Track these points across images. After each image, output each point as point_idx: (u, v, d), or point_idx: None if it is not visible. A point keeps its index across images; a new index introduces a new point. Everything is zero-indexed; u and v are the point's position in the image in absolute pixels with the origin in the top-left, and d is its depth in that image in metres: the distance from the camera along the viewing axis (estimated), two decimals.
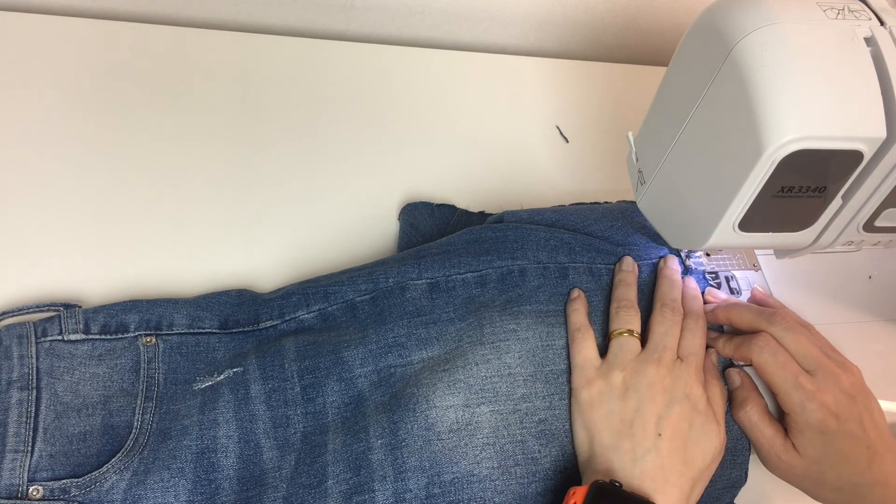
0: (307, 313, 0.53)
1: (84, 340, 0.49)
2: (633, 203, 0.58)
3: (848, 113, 0.38)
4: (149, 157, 0.62)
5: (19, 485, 0.44)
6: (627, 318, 0.50)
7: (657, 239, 0.55)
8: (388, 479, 0.45)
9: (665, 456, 0.45)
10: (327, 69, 0.71)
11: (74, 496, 0.44)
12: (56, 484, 0.44)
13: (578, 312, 0.51)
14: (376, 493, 0.45)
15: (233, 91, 0.67)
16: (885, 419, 0.48)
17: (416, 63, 0.74)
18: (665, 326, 0.50)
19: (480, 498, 0.46)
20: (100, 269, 0.55)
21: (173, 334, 0.51)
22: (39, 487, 0.44)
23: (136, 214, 0.59)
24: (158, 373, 0.50)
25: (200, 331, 0.52)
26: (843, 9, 0.40)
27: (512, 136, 0.71)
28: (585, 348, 0.49)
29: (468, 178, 0.67)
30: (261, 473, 0.47)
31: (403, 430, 0.46)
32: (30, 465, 0.45)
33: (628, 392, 0.47)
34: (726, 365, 0.52)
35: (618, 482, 0.43)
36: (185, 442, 0.47)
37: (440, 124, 0.71)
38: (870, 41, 0.39)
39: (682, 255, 0.56)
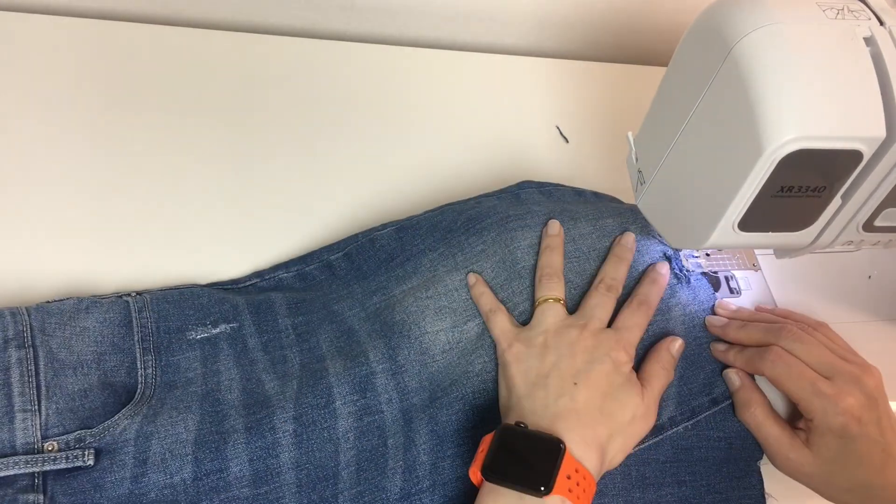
0: (286, 272, 0.57)
1: (68, 298, 0.51)
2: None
3: (847, 113, 0.38)
4: (148, 157, 0.62)
5: (34, 443, 0.45)
6: (550, 286, 0.50)
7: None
8: (394, 401, 0.49)
9: (580, 401, 0.44)
10: (327, 69, 0.71)
11: (90, 443, 0.46)
12: (70, 436, 0.46)
13: (485, 295, 0.51)
14: (385, 414, 0.49)
15: (233, 91, 0.67)
16: None
17: (417, 63, 0.74)
18: (597, 300, 0.49)
19: (483, 389, 0.49)
20: (99, 270, 0.55)
21: (155, 290, 0.53)
22: (54, 443, 0.45)
23: (135, 215, 0.59)
24: (150, 322, 0.51)
25: (182, 287, 0.54)
26: (843, 9, 0.40)
27: (512, 136, 0.71)
28: (500, 322, 0.50)
29: (468, 178, 0.67)
30: (265, 399, 0.49)
31: (402, 357, 0.50)
32: (40, 423, 0.46)
33: (548, 350, 0.47)
34: (722, 367, 0.51)
35: (523, 423, 0.43)
36: (190, 389, 0.49)
37: (440, 124, 0.71)
38: (869, 41, 0.39)
39: (681, 255, 0.56)
